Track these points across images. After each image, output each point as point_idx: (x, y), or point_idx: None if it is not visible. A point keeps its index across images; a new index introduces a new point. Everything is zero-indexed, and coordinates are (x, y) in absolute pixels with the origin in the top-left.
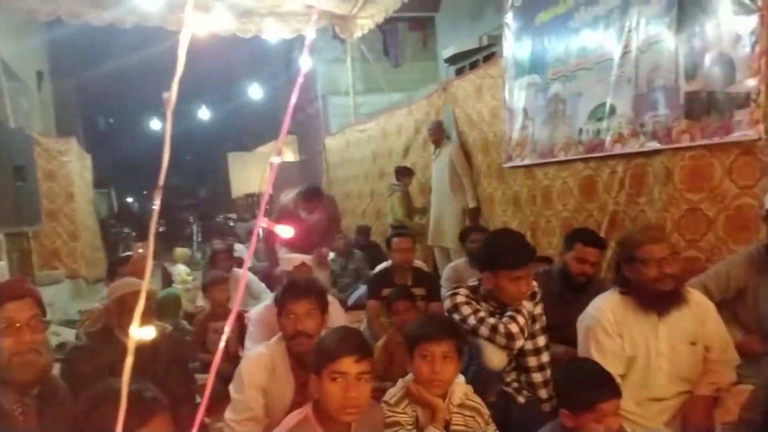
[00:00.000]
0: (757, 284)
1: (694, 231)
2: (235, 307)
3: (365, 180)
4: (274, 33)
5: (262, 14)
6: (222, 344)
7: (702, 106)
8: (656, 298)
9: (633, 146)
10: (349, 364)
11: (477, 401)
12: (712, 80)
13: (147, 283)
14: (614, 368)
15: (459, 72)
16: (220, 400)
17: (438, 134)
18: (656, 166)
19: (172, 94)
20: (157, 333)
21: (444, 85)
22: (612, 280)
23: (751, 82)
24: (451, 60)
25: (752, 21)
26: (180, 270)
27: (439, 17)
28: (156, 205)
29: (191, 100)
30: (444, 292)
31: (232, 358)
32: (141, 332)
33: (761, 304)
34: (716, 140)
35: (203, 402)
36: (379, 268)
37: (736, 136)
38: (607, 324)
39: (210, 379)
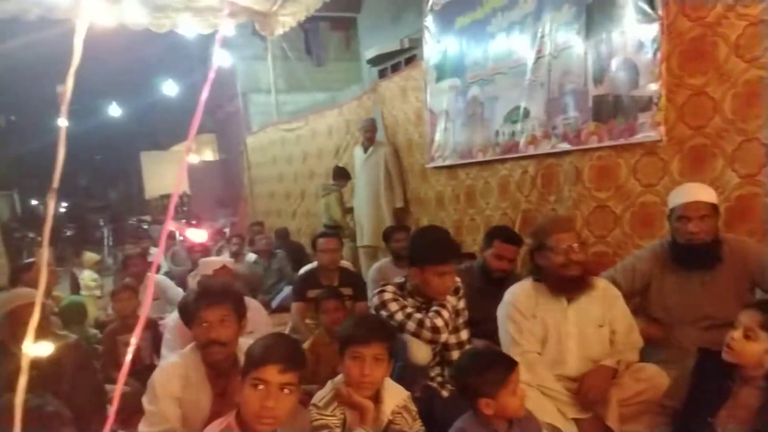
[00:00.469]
0: (661, 277)
1: (602, 227)
2: (142, 315)
3: (294, 180)
4: (190, 28)
5: (178, 9)
6: (129, 357)
7: (609, 109)
8: (564, 283)
9: (545, 147)
10: (272, 373)
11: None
12: (617, 84)
13: (41, 295)
14: (532, 346)
15: (381, 73)
16: (136, 411)
17: (372, 132)
18: (566, 166)
19: (68, 88)
20: (60, 343)
21: (374, 87)
22: (527, 269)
23: (653, 87)
24: (374, 61)
25: (654, 29)
26: (85, 276)
27: (360, 18)
28: (50, 207)
29: (101, 96)
30: (371, 292)
31: (148, 370)
32: (36, 348)
33: (665, 296)
34: (622, 141)
35: (112, 414)
36: (304, 269)
37: (640, 137)
38: (522, 306)
39: (117, 390)
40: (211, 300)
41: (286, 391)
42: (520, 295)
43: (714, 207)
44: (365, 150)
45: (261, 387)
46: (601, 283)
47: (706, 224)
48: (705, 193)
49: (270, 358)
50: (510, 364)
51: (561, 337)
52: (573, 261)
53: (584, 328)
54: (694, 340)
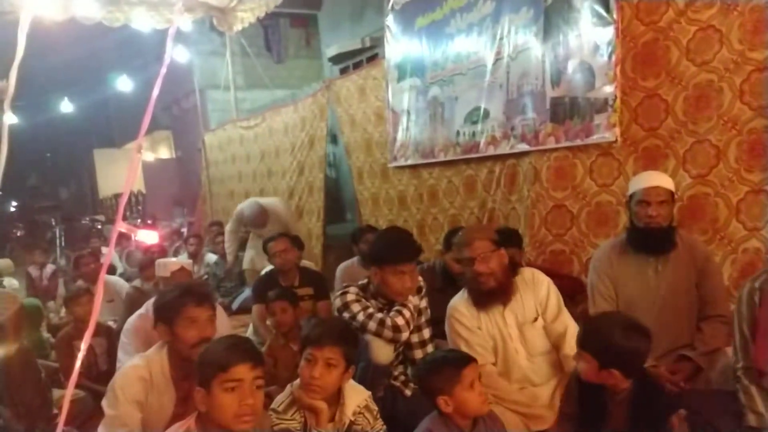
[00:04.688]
0: (619, 266)
1: (559, 226)
2: (93, 318)
3: (253, 179)
4: (144, 23)
5: (132, 3)
6: (78, 362)
7: (565, 110)
8: (480, 295)
9: (504, 148)
10: (244, 371)
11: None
12: (574, 86)
13: None
14: (484, 358)
15: (343, 71)
16: (91, 417)
17: None
18: (525, 166)
19: (10, 83)
20: (4, 349)
21: (328, 84)
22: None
23: (609, 89)
24: (335, 59)
25: (609, 32)
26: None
27: (321, 16)
28: None
29: (52, 92)
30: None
31: (105, 375)
32: None
33: (624, 283)
34: (578, 142)
35: (62, 418)
36: (264, 271)
37: (595, 138)
38: (465, 320)
39: (67, 396)
40: (201, 299)
41: (257, 385)
42: (461, 309)
43: (671, 194)
44: None
45: (236, 388)
46: (527, 274)
47: (665, 210)
48: (664, 180)
49: (239, 358)
50: (463, 360)
51: (506, 341)
52: (480, 273)
53: (522, 326)
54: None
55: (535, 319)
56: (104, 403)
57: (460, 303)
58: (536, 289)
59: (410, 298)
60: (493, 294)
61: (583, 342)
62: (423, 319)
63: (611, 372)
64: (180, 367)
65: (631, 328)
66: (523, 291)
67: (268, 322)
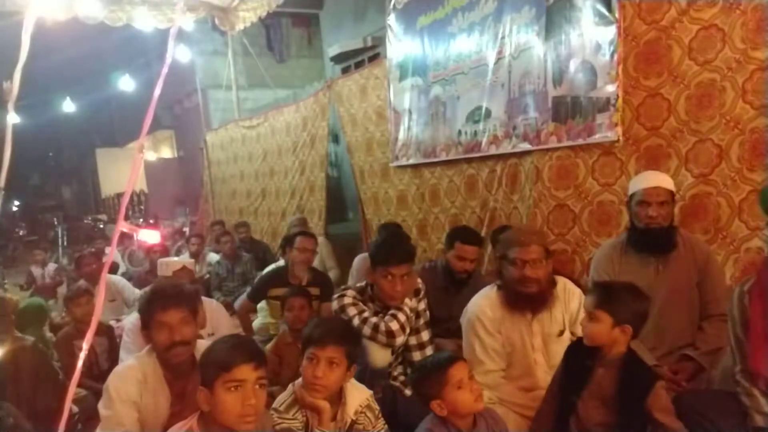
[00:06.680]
0: (620, 265)
1: (561, 225)
2: (95, 318)
3: (255, 179)
4: (146, 22)
5: (134, 2)
6: (80, 362)
7: (567, 109)
8: (519, 300)
9: (506, 147)
10: (247, 372)
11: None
12: (576, 86)
13: None
14: (496, 364)
15: (345, 71)
16: (95, 415)
17: None
18: (527, 165)
19: (15, 84)
20: (16, 346)
21: (329, 84)
22: (494, 273)
23: (611, 88)
24: (337, 59)
25: (611, 31)
26: None
27: (323, 15)
28: None
29: (54, 92)
30: (351, 282)
31: (107, 374)
32: None
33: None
34: (580, 141)
35: (64, 418)
36: (270, 268)
37: (597, 137)
38: (487, 321)
39: (69, 396)
40: (167, 303)
41: (260, 386)
42: (485, 308)
43: (672, 194)
44: None
45: (238, 388)
46: (559, 285)
47: (665, 210)
48: (664, 180)
49: (242, 358)
50: (447, 360)
51: (527, 351)
52: (528, 277)
53: (548, 338)
54: (648, 331)
55: (561, 333)
56: (100, 405)
57: (485, 303)
58: (568, 302)
59: (407, 301)
60: (530, 300)
61: (599, 302)
62: (422, 322)
63: (624, 328)
64: (170, 367)
65: (638, 291)
66: (553, 303)
67: (271, 320)
